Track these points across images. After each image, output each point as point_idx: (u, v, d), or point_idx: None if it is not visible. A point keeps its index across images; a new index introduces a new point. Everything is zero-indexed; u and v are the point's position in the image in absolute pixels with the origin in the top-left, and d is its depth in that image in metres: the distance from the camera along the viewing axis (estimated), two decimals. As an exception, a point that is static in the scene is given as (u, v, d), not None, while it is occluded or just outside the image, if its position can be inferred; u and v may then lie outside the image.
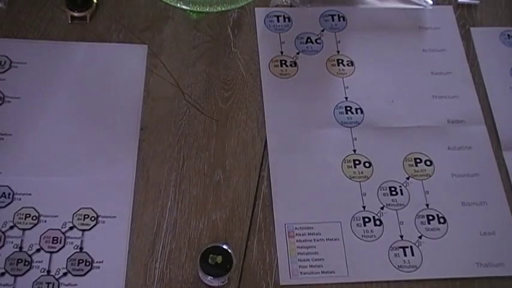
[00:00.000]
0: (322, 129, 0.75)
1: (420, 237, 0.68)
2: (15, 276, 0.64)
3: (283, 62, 0.79)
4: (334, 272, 0.66)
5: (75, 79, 0.76)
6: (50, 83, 0.75)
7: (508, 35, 0.83)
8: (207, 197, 0.70)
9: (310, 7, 0.84)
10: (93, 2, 0.80)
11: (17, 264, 0.64)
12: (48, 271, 0.64)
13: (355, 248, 0.67)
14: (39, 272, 0.64)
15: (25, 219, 0.67)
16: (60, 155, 0.71)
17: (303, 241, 0.68)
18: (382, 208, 0.70)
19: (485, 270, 0.67)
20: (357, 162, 0.73)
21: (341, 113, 0.76)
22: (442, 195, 0.71)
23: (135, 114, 0.74)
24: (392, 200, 0.71)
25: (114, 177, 0.70)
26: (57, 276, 0.64)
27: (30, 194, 0.68)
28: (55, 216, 0.67)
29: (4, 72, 0.75)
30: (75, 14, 0.80)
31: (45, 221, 0.67)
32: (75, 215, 0.67)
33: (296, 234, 0.68)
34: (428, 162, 0.73)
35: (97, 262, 0.65)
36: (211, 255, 0.64)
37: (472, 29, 0.83)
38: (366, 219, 0.69)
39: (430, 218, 0.70)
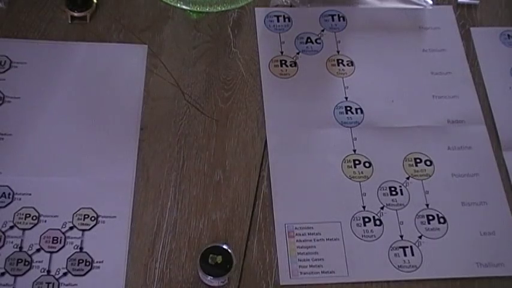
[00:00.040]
0: (322, 129, 0.75)
1: (420, 237, 0.68)
2: (15, 276, 0.64)
3: (283, 62, 0.79)
4: (334, 272, 0.66)
5: (75, 79, 0.76)
6: (50, 83, 0.75)
7: (508, 35, 0.83)
8: (207, 197, 0.70)
9: (310, 7, 0.84)
10: (93, 2, 0.80)
11: (17, 264, 0.64)
12: (48, 271, 0.64)
13: (355, 248, 0.67)
14: (39, 272, 0.64)
15: (25, 219, 0.67)
16: (60, 155, 0.71)
17: (303, 241, 0.68)
18: (382, 208, 0.70)
19: (485, 270, 0.67)
20: (357, 162, 0.73)
21: (341, 113, 0.76)
22: (442, 195, 0.71)
23: (135, 114, 0.74)
24: (392, 200, 0.71)
25: (114, 177, 0.70)
26: (57, 276, 0.64)
27: (30, 194, 0.68)
28: (55, 216, 0.67)
29: (4, 72, 0.75)
30: (75, 14, 0.80)
31: (45, 221, 0.67)
32: (75, 215, 0.67)
33: (296, 234, 0.68)
34: (428, 162, 0.73)
35: (97, 262, 0.65)
36: (211, 255, 0.64)
37: (472, 29, 0.83)
38: (366, 219, 0.69)
39: (430, 218, 0.70)
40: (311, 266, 0.66)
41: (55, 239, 0.66)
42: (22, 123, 0.72)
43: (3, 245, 0.65)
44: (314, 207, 0.70)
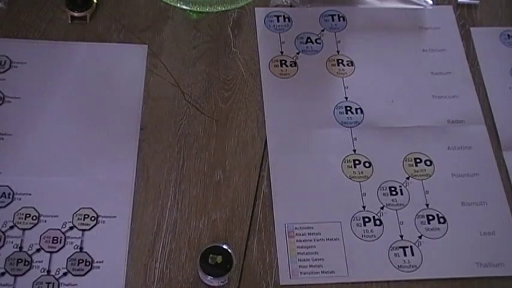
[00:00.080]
0: (322, 129, 0.75)
1: (420, 237, 0.68)
2: (15, 276, 0.64)
3: (283, 62, 0.79)
4: (334, 272, 0.66)
5: (75, 79, 0.76)
6: (50, 83, 0.75)
7: (508, 35, 0.83)
8: (207, 197, 0.70)
9: (310, 7, 0.84)
10: (93, 2, 0.80)
11: (17, 264, 0.64)
12: (48, 271, 0.64)
13: (355, 248, 0.67)
14: (39, 272, 0.64)
15: (25, 219, 0.67)
16: (60, 155, 0.71)
17: (303, 241, 0.68)
18: (382, 208, 0.70)
19: (485, 270, 0.67)
20: (357, 162, 0.73)
21: (341, 113, 0.76)
22: (442, 195, 0.71)
23: (135, 114, 0.74)
24: (392, 200, 0.71)
25: (114, 177, 0.70)
26: (57, 276, 0.64)
27: (30, 194, 0.68)
28: (55, 216, 0.67)
29: (4, 72, 0.75)
30: (75, 14, 0.80)
31: (45, 221, 0.67)
32: (75, 215, 0.67)
33: (296, 234, 0.68)
34: (428, 162, 0.73)
35: (97, 262, 0.65)
36: (211, 255, 0.64)
37: (472, 29, 0.83)
38: (366, 219, 0.69)
39: (430, 218, 0.70)
40: (311, 266, 0.66)
41: (55, 239, 0.66)
42: (22, 123, 0.72)
43: (3, 245, 0.65)
44: (314, 207, 0.70)
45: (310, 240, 0.68)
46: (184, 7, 0.76)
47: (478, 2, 0.85)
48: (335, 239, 0.68)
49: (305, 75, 0.78)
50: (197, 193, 0.70)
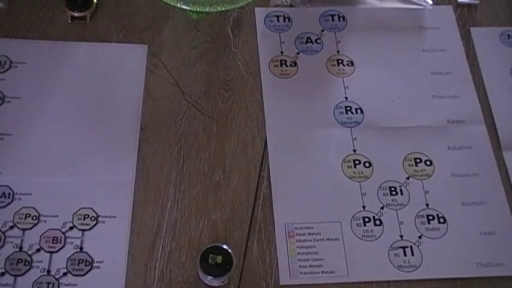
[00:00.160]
0: (322, 129, 0.75)
1: (420, 237, 0.68)
2: (15, 276, 0.64)
3: (283, 62, 0.79)
4: (334, 272, 0.66)
5: (75, 79, 0.76)
6: (50, 83, 0.75)
7: (508, 35, 0.83)
8: (207, 197, 0.70)
9: (310, 7, 0.84)
10: (93, 2, 0.80)
11: (17, 264, 0.64)
12: (48, 271, 0.64)
13: (355, 248, 0.67)
14: (39, 272, 0.64)
15: (25, 219, 0.67)
16: (60, 155, 0.71)
17: (303, 241, 0.68)
18: (382, 208, 0.70)
19: (485, 270, 0.67)
20: (357, 162, 0.73)
21: (341, 113, 0.76)
22: (442, 195, 0.71)
23: (135, 114, 0.74)
24: (392, 200, 0.71)
25: (114, 177, 0.70)
26: (57, 276, 0.64)
27: (30, 194, 0.68)
28: (55, 216, 0.67)
29: (4, 72, 0.75)
30: (75, 14, 0.80)
31: (45, 221, 0.67)
32: (75, 215, 0.67)
33: (296, 234, 0.68)
34: (428, 162, 0.73)
35: (97, 262, 0.65)
36: (211, 255, 0.64)
37: (472, 29, 0.83)
38: (366, 219, 0.69)
39: (430, 218, 0.70)
40: (311, 266, 0.66)
41: (55, 239, 0.66)
42: (22, 123, 0.72)
43: (3, 245, 0.65)
44: (314, 207, 0.70)
45: (310, 240, 0.68)
46: (184, 7, 0.76)
47: (478, 2, 0.85)
48: (335, 239, 0.68)
49: (305, 75, 0.78)
50: (197, 193, 0.70)
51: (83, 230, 0.67)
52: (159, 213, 0.68)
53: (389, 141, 0.74)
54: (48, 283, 0.64)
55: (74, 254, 0.65)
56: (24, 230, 0.66)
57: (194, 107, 0.75)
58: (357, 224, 0.69)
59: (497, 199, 0.71)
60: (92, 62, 0.77)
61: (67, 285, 0.64)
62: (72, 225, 0.67)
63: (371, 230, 0.69)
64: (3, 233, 0.66)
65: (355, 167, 0.72)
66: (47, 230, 0.66)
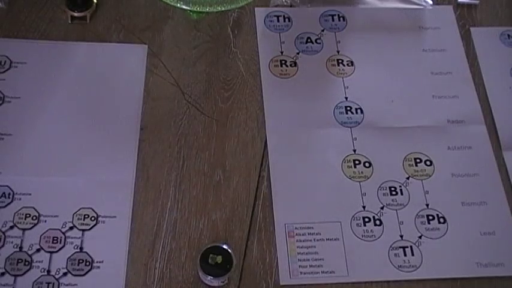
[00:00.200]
0: (322, 129, 0.75)
1: (420, 237, 0.68)
2: (15, 276, 0.64)
3: (283, 62, 0.79)
4: (334, 272, 0.66)
5: (75, 79, 0.76)
6: (50, 83, 0.75)
7: (508, 35, 0.83)
8: (207, 197, 0.70)
9: (310, 7, 0.84)
10: (93, 2, 0.80)
11: (17, 264, 0.64)
12: (48, 271, 0.64)
13: (355, 248, 0.67)
14: (39, 272, 0.64)
15: (25, 219, 0.67)
16: (60, 155, 0.71)
17: (303, 241, 0.68)
18: (382, 208, 0.70)
19: (485, 270, 0.67)
20: (357, 162, 0.73)
21: (341, 113, 0.76)
22: (442, 195, 0.71)
23: (135, 114, 0.74)
24: (392, 200, 0.71)
25: (114, 177, 0.70)
26: (57, 276, 0.64)
27: (30, 194, 0.68)
28: (55, 216, 0.67)
29: (4, 72, 0.75)
30: (75, 14, 0.80)
31: (45, 221, 0.67)
32: (75, 215, 0.67)
33: (296, 234, 0.68)
34: (428, 162, 0.73)
35: (97, 262, 0.65)
36: (211, 255, 0.64)
37: (472, 29, 0.83)
38: (366, 219, 0.69)
39: (430, 218, 0.70)
40: (311, 266, 0.66)
41: (55, 239, 0.66)
42: (22, 123, 0.72)
43: (3, 245, 0.65)
44: (314, 207, 0.70)
45: (310, 240, 0.68)
46: (184, 7, 0.76)
47: (478, 2, 0.85)
48: (335, 239, 0.68)
49: (305, 75, 0.78)
50: (197, 193, 0.70)
51: (83, 230, 0.67)
52: (159, 213, 0.68)
53: (389, 141, 0.74)
54: (48, 283, 0.64)
55: (74, 254, 0.65)
56: (24, 230, 0.66)
57: (194, 107, 0.75)
58: (357, 224, 0.69)
59: (497, 199, 0.71)
60: (91, 62, 0.77)
61: (67, 285, 0.64)
62: (72, 225, 0.67)
63: (371, 230, 0.69)
64: (3, 233, 0.66)
65: (355, 167, 0.72)
66: (47, 230, 0.66)
